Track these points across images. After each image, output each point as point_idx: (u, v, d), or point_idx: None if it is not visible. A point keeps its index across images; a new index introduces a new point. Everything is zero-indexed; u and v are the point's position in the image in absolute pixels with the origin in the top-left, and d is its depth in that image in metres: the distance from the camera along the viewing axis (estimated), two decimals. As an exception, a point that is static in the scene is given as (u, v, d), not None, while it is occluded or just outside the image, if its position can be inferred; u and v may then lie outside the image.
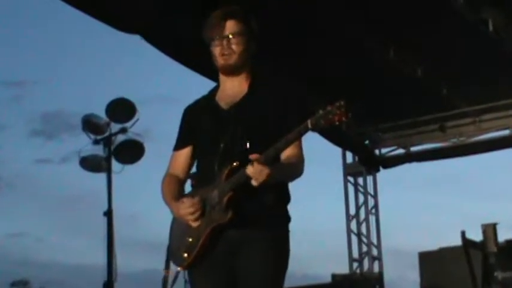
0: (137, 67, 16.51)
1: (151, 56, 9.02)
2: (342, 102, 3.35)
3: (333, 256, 15.33)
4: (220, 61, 3.78)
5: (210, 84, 4.01)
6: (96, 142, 8.18)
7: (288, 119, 3.65)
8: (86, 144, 8.28)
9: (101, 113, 8.35)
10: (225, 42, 3.74)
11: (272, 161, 3.50)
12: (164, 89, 18.00)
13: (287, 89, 3.86)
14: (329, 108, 3.36)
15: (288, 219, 3.75)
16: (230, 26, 3.76)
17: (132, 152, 8.33)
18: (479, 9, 8.88)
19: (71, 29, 16.06)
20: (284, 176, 3.67)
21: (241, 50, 3.77)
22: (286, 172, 3.67)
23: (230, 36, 3.75)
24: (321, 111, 3.37)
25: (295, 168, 3.70)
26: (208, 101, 3.90)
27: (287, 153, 3.63)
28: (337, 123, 3.35)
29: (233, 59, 3.76)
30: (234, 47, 3.75)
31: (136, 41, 8.49)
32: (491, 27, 9.08)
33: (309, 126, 3.40)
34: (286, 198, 3.77)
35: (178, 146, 3.95)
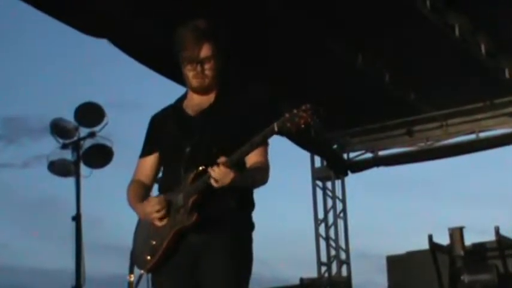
0: (104, 71, 16.42)
1: (118, 60, 8.98)
2: (308, 106, 3.37)
3: (302, 260, 15.34)
4: (193, 84, 3.79)
5: (176, 88, 4.02)
6: (64, 146, 8.15)
7: (253, 123, 3.64)
8: (53, 149, 8.26)
9: (68, 117, 8.32)
10: (198, 67, 3.73)
11: (237, 164, 3.51)
12: (131, 94, 17.91)
13: (253, 95, 3.88)
14: (295, 111, 3.37)
15: (251, 226, 3.76)
16: (204, 50, 3.71)
17: (100, 156, 8.30)
18: (446, 15, 8.95)
19: (33, 32, 15.91)
20: (248, 182, 3.68)
21: (215, 74, 3.78)
22: (251, 179, 3.68)
23: (204, 61, 3.73)
24: (286, 115, 3.38)
25: (260, 176, 3.71)
26: (175, 109, 3.92)
27: (253, 160, 3.66)
28: (302, 126, 3.36)
29: (206, 83, 3.77)
30: (207, 72, 3.75)
31: (103, 45, 8.46)
32: (457, 32, 9.16)
33: (275, 129, 3.40)
34: (249, 205, 3.77)
35: (144, 153, 3.95)
